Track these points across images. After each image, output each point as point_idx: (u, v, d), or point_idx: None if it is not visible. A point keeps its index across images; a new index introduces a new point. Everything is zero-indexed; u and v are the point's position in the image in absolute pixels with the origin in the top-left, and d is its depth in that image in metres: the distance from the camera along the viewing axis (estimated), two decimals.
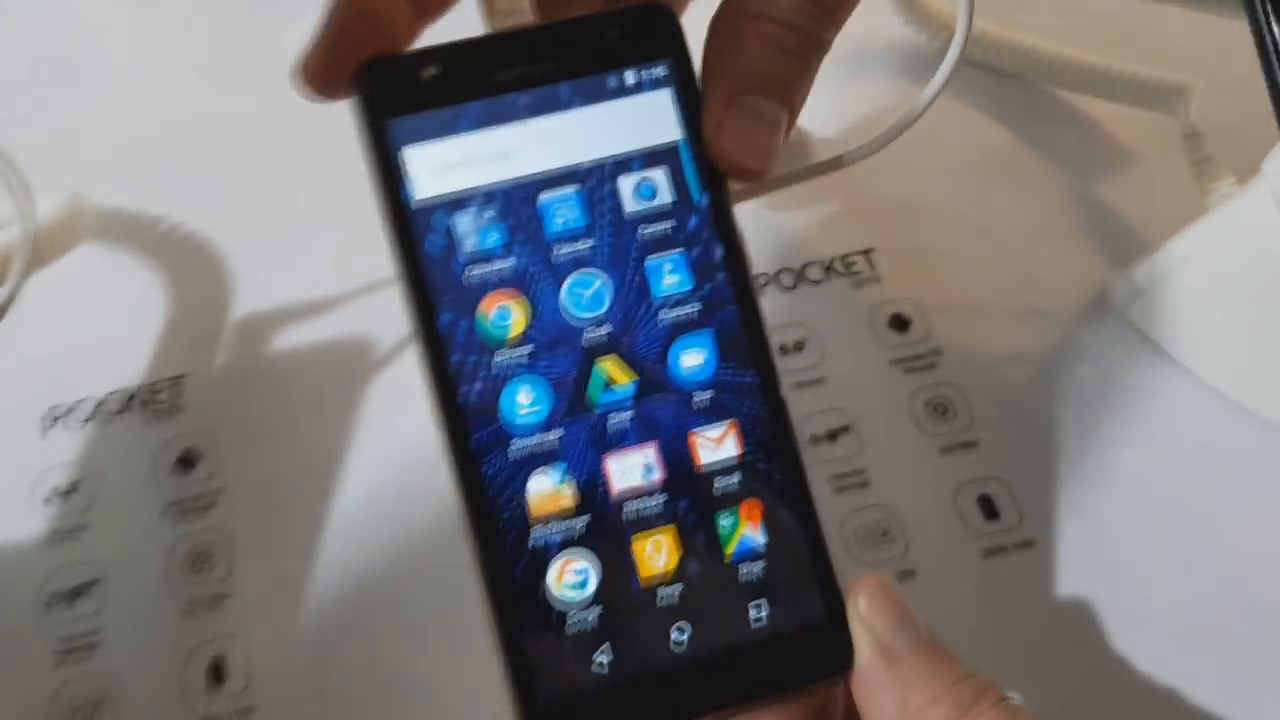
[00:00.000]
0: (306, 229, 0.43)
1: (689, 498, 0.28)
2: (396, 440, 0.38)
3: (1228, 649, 0.34)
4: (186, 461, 0.38)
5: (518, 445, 0.28)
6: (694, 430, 0.28)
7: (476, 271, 0.28)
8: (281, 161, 0.45)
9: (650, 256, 0.29)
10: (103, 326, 0.41)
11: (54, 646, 0.35)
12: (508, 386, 0.28)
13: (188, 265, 0.42)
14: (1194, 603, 0.35)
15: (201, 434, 0.39)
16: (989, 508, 0.37)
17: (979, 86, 0.47)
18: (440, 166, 0.28)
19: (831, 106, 0.44)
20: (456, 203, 0.28)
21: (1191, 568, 0.36)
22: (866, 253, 0.43)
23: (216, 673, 0.34)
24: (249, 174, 0.45)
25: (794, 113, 0.29)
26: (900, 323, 0.41)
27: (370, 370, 0.40)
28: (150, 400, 0.39)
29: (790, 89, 0.29)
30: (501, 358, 0.28)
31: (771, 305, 0.41)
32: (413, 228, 0.27)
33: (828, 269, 0.42)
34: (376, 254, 0.39)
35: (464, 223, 0.28)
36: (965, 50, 0.33)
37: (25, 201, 0.32)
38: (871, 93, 0.46)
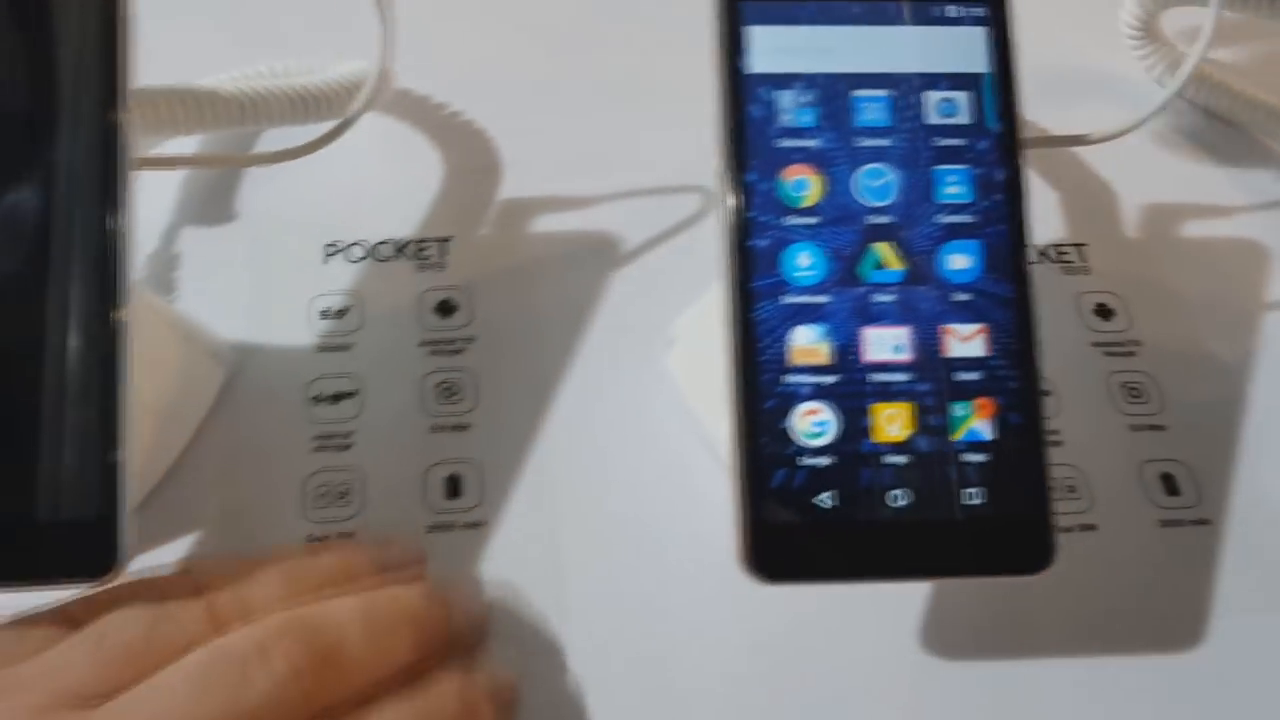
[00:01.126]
0: (576, 136, 0.47)
1: (930, 382, 0.31)
2: (629, 325, 0.42)
3: None
4: (446, 308, 0.42)
5: (790, 299, 0.31)
6: (947, 324, 0.32)
7: (786, 143, 0.31)
8: (563, 72, 0.49)
9: (939, 165, 0.32)
10: (383, 185, 0.46)
11: (313, 434, 0.39)
12: (792, 246, 0.31)
13: (465, 147, 0.47)
14: None
15: (460, 290, 0.43)
16: (1170, 485, 0.40)
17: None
18: (775, 48, 0.32)
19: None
20: (782, 80, 0.32)
21: None
22: (1079, 245, 0.46)
23: (453, 486, 0.38)
24: (531, 79, 0.49)
25: None
26: (1104, 311, 0.44)
27: (613, 263, 0.44)
28: (418, 253, 0.44)
29: None
30: (791, 220, 0.31)
31: None
32: (741, 93, 0.31)
33: (1041, 254, 0.45)
34: (631, 168, 0.44)
35: (785, 99, 0.31)
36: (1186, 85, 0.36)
37: (386, 42, 0.36)
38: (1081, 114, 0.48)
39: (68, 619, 0.29)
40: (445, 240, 0.44)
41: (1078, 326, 0.43)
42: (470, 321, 0.42)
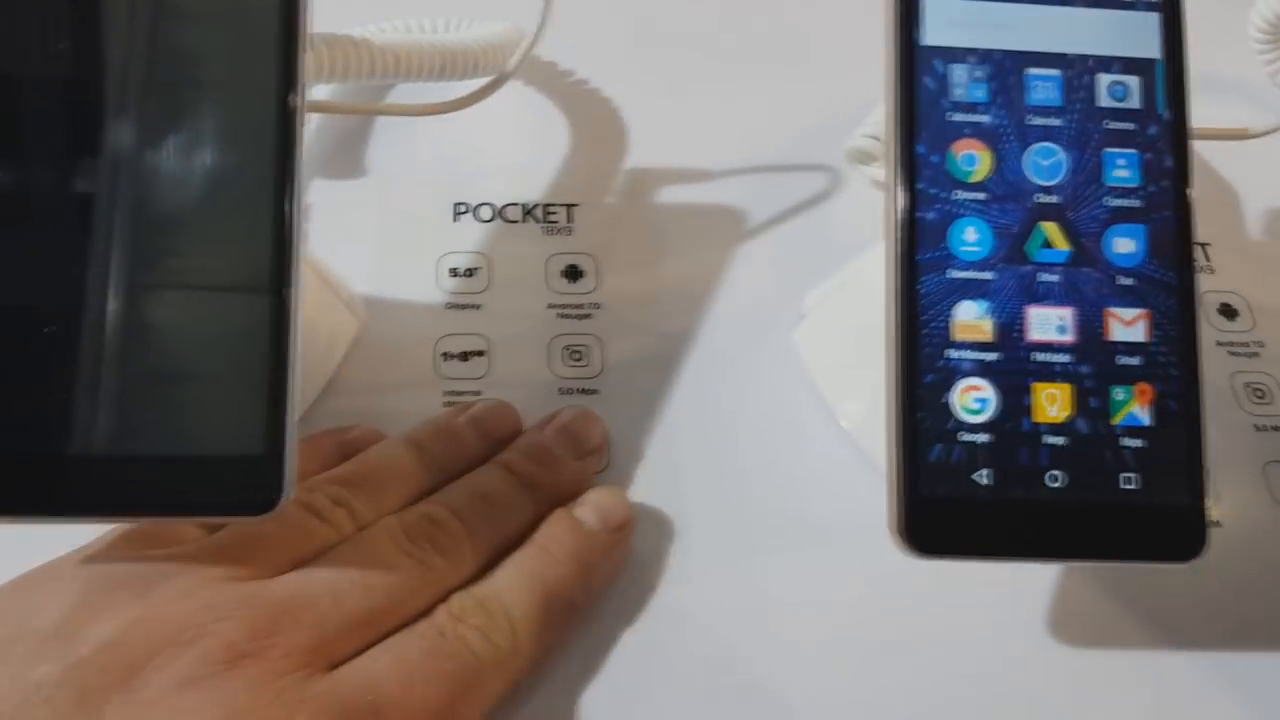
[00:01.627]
0: (704, 108, 0.47)
1: (1091, 364, 0.31)
2: (753, 299, 0.42)
3: None
4: (573, 273, 0.42)
5: (955, 273, 0.31)
6: (1111, 307, 0.31)
7: (958, 117, 0.31)
8: (694, 42, 0.50)
9: (1108, 147, 0.32)
10: (510, 148, 0.46)
11: (443, 389, 0.39)
12: (959, 221, 0.31)
13: (592, 114, 0.47)
14: None
15: (586, 256, 0.43)
16: None
17: None
18: (950, 21, 0.32)
19: None
20: (956, 54, 0.31)
21: None
22: (1203, 245, 0.45)
23: None
24: (662, 48, 0.49)
25: None
26: (1229, 311, 0.44)
27: (739, 237, 0.44)
28: (545, 218, 0.44)
29: None
30: (960, 195, 0.31)
31: None
32: (915, 64, 0.31)
33: None
34: (759, 142, 0.44)
35: (958, 72, 0.31)
36: None
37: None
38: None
39: None
40: (572, 206, 0.44)
41: (1203, 326, 0.43)
42: (596, 288, 0.42)
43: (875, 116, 0.44)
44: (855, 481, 0.38)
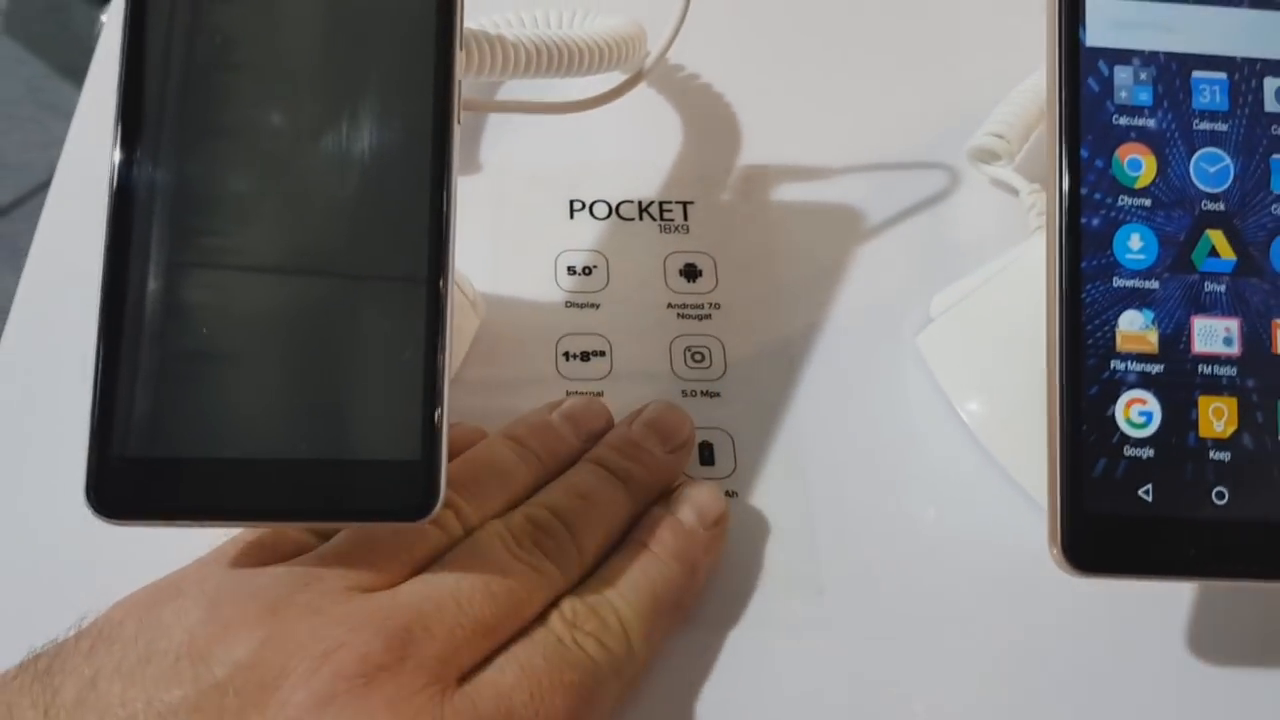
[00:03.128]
0: (820, 105, 0.47)
1: (1257, 377, 0.30)
2: (874, 300, 0.41)
3: None
4: (691, 272, 0.42)
5: (1120, 281, 0.30)
6: (1278, 319, 0.30)
7: (1123, 120, 0.30)
8: (808, 38, 0.49)
9: (1276, 154, 0.31)
10: (625, 144, 0.45)
11: (565, 389, 0.39)
12: (1124, 228, 0.30)
13: (706, 111, 0.46)
14: None
15: (704, 255, 0.42)
16: None
17: None
18: (1115, 22, 0.31)
19: None
20: (1121, 55, 0.30)
21: None
22: None
23: (706, 453, 0.38)
24: (775, 44, 0.49)
25: None
26: None
27: (857, 237, 0.43)
28: (661, 215, 0.43)
29: None
30: (1125, 201, 0.30)
31: None
32: (1080, 65, 0.30)
33: None
34: (877, 141, 0.43)
35: (1123, 75, 0.30)
36: None
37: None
38: None
39: None
40: (688, 204, 0.44)
41: None
42: (715, 287, 0.42)
43: (999, 114, 0.43)
44: (977, 487, 0.37)
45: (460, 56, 0.29)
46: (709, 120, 0.46)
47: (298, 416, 0.28)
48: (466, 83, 0.40)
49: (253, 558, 0.30)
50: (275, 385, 0.28)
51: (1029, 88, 0.43)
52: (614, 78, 0.39)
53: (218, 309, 0.28)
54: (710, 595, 0.35)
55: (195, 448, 0.27)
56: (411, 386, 0.28)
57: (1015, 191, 0.42)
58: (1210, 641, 0.35)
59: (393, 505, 0.28)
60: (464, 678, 0.29)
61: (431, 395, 0.28)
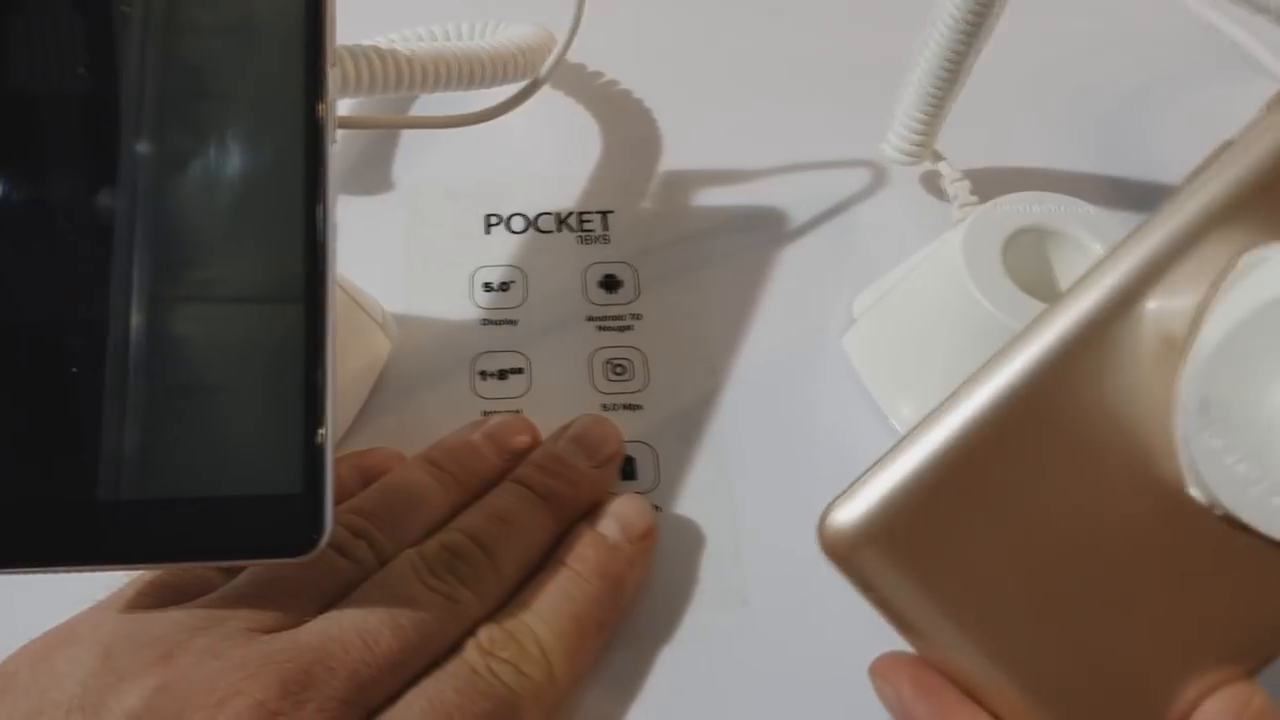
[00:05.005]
0: (738, 109, 0.46)
1: None
2: (798, 303, 0.41)
3: None
4: (611, 283, 0.41)
5: None
6: None
7: None
8: (723, 43, 0.48)
9: None
10: (541, 156, 0.45)
11: (481, 409, 0.38)
12: None
13: (623, 118, 0.46)
14: None
15: (624, 265, 0.41)
16: None
17: None
18: None
19: None
20: None
21: None
22: None
23: (628, 468, 0.37)
24: (692, 49, 0.48)
25: None
26: None
27: (779, 240, 0.42)
28: (580, 226, 0.42)
29: None
30: None
31: None
32: None
33: None
34: (796, 142, 0.42)
35: None
36: None
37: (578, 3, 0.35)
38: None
39: None
40: (607, 213, 0.43)
41: None
42: (636, 297, 0.41)
43: (909, 109, 0.43)
44: None
45: (333, 74, 0.28)
46: (629, 128, 0.46)
47: (173, 452, 0.27)
48: (359, 100, 0.40)
49: (153, 599, 0.29)
50: (148, 421, 0.27)
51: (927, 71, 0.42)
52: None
53: (86, 341, 0.27)
54: (635, 611, 0.34)
55: (62, 488, 0.26)
56: (292, 415, 0.27)
57: (939, 189, 0.41)
58: None
59: (276, 541, 0.27)
60: (371, 715, 0.28)
61: (313, 423, 0.27)
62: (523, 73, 0.37)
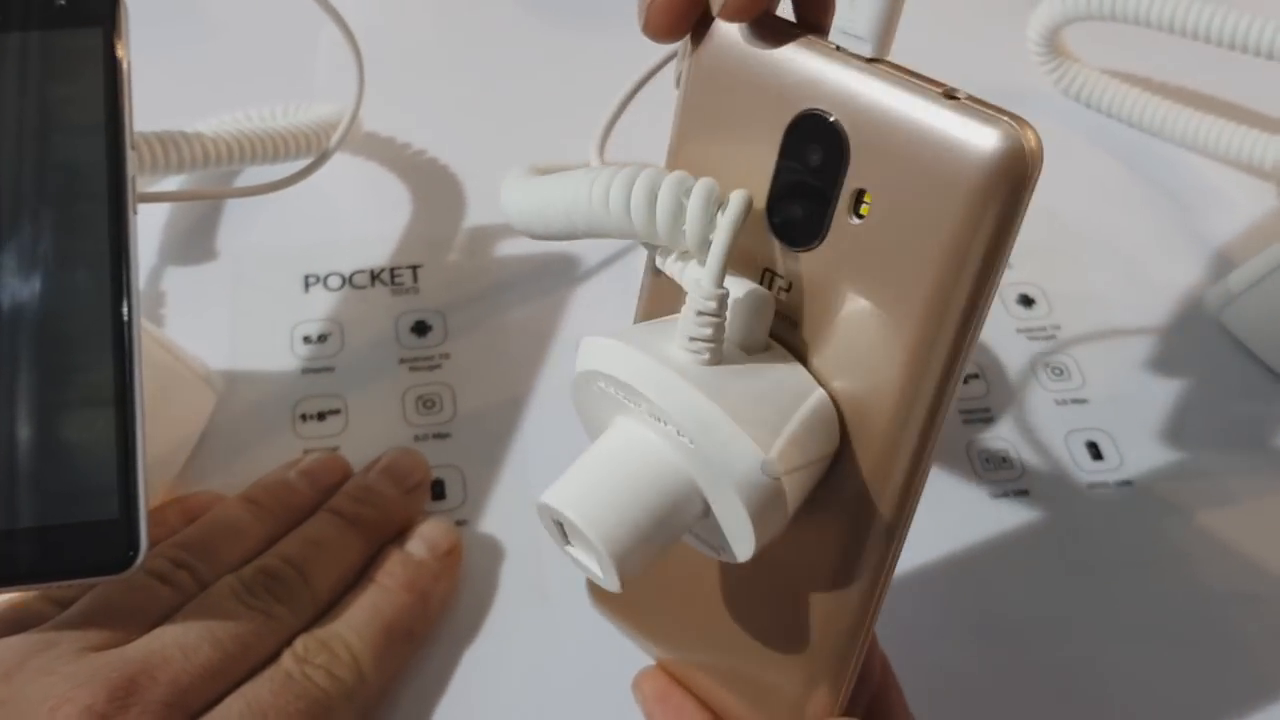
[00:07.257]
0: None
1: None
2: (585, 335, 0.45)
3: None
4: (421, 328, 0.45)
5: None
6: None
7: None
8: (518, 107, 0.53)
9: None
10: (355, 219, 0.49)
11: (302, 448, 0.42)
12: None
13: (430, 181, 0.51)
14: None
15: (433, 312, 0.46)
16: (1095, 451, 0.43)
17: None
18: None
19: None
20: None
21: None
22: None
23: (438, 489, 0.41)
24: (492, 114, 0.53)
25: None
26: (1027, 300, 0.48)
27: (571, 281, 0.47)
28: (392, 280, 0.47)
29: None
30: None
31: None
32: None
33: None
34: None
35: None
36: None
37: (359, 84, 0.40)
38: None
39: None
40: (416, 267, 0.47)
41: (1002, 315, 0.47)
42: (444, 339, 0.45)
43: None
44: None
45: (132, 156, 0.33)
46: (434, 187, 0.50)
47: (8, 490, 0.31)
48: (160, 179, 0.44)
49: None
50: None
51: None
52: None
53: None
54: (446, 617, 0.38)
55: None
56: (106, 453, 0.31)
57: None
58: None
59: (98, 560, 0.31)
60: (193, 717, 0.31)
61: (125, 459, 0.31)
62: (317, 147, 0.42)
